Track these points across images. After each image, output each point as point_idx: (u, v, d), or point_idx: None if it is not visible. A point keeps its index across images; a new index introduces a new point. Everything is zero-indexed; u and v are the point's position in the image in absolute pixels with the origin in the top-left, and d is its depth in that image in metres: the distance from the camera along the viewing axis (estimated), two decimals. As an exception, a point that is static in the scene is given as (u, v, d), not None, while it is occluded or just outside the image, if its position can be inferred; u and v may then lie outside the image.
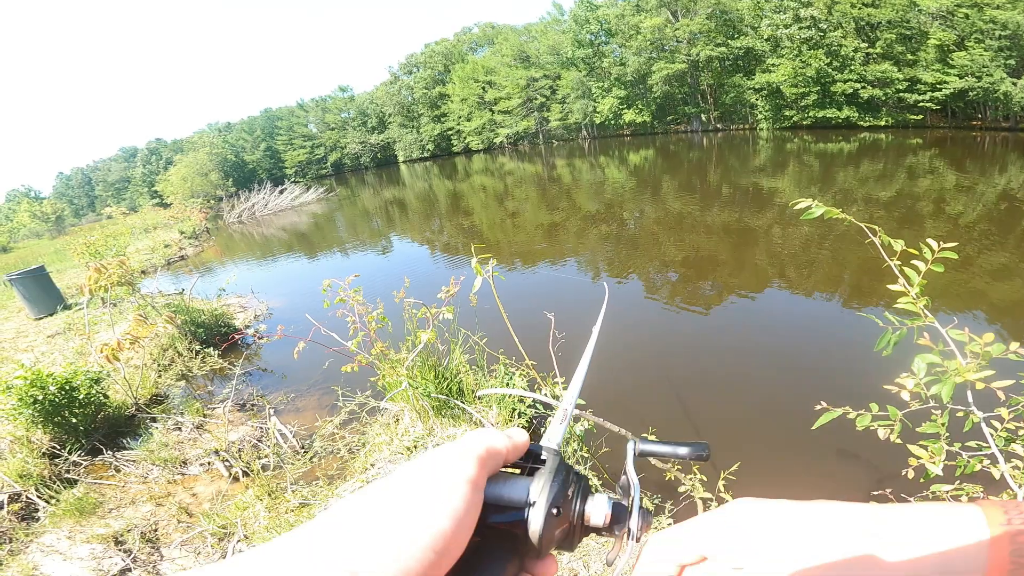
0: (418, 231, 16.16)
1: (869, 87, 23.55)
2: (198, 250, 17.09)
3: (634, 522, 0.36)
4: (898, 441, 1.55)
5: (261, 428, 4.12)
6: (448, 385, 3.69)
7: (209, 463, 3.70)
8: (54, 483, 3.58)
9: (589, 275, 8.23)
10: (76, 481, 3.67)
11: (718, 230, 9.96)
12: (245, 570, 0.27)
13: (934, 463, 1.51)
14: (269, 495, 3.23)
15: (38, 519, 3.31)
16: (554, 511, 0.34)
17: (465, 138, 49.66)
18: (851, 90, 24.11)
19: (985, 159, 14.63)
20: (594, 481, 2.96)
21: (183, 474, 3.68)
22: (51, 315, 8.88)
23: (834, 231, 8.20)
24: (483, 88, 46.04)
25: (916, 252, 1.49)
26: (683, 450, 0.41)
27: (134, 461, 3.85)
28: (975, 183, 11.27)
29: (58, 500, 3.38)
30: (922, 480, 1.56)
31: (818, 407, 1.73)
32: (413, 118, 54.62)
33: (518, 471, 0.37)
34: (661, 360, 4.97)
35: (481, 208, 18.75)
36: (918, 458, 1.55)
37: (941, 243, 1.45)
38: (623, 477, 0.39)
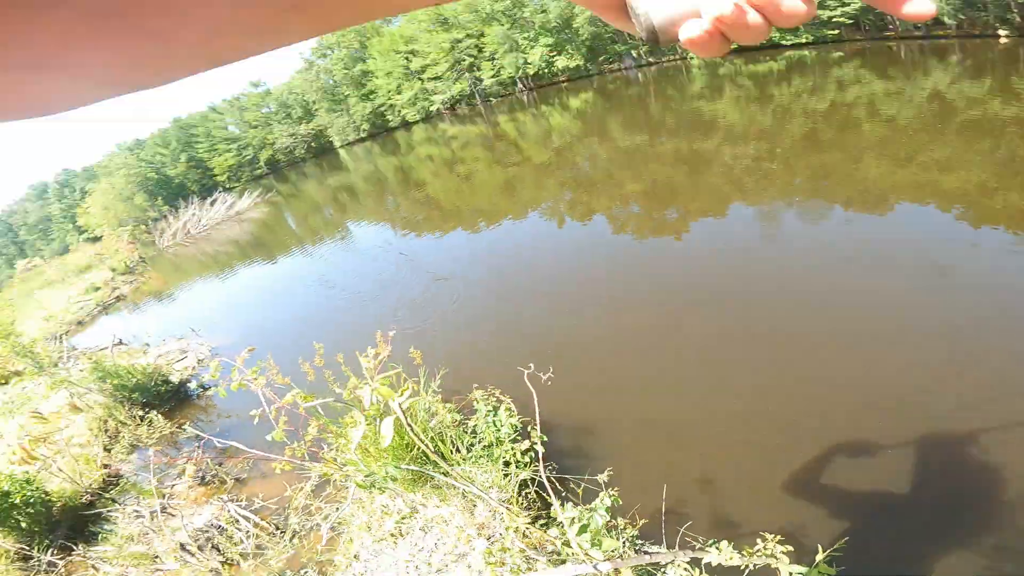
0: (373, 213, 15.60)
1: (784, 7, 23.45)
2: (135, 285, 15.96)
3: None
4: None
5: (228, 509, 3.82)
6: (426, 441, 3.26)
7: (184, 560, 3.42)
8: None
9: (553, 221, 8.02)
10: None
11: (669, 158, 10.05)
12: None
13: None
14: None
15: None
16: None
17: (400, 111, 47.56)
18: (769, 11, 23.96)
19: (906, 65, 14.83)
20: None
21: (160, 571, 3.39)
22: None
23: (779, 145, 8.33)
24: (406, 58, 43.90)
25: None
26: None
27: (107, 560, 3.55)
28: (901, 88, 11.46)
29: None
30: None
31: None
32: (340, 100, 51.85)
33: None
34: (636, 292, 5.32)
35: (432, 177, 18.28)
36: None
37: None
38: None
